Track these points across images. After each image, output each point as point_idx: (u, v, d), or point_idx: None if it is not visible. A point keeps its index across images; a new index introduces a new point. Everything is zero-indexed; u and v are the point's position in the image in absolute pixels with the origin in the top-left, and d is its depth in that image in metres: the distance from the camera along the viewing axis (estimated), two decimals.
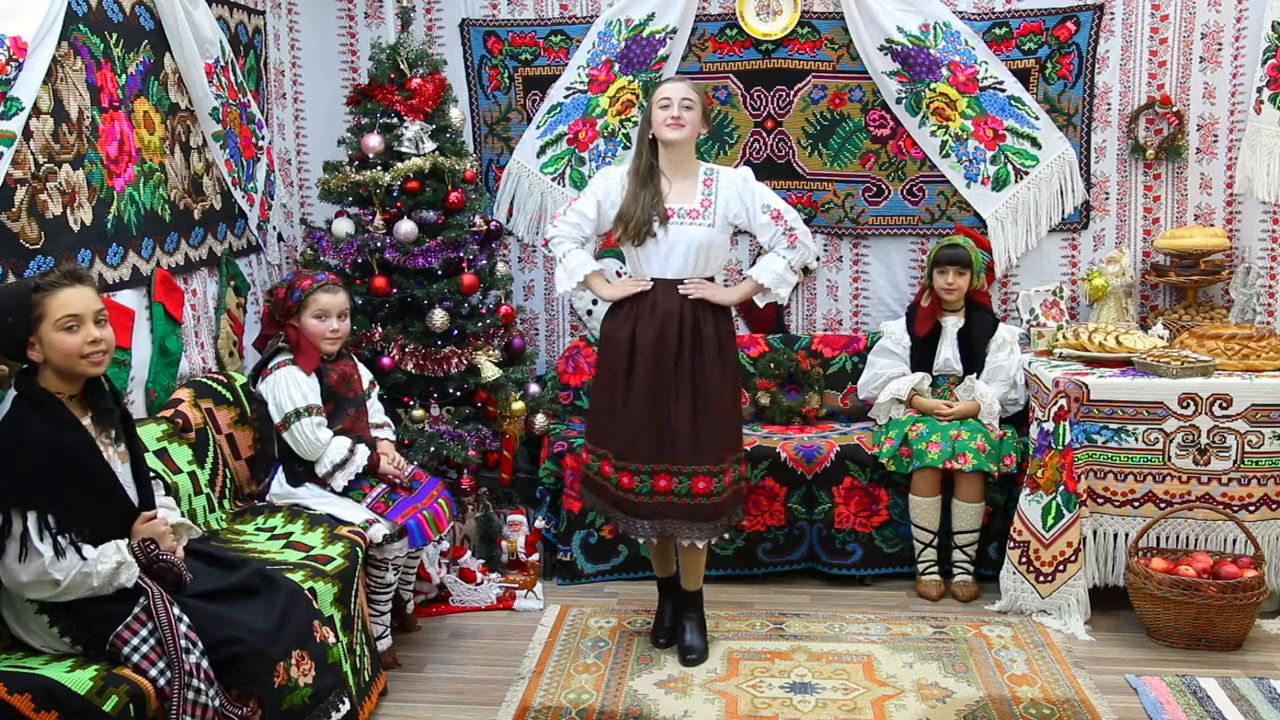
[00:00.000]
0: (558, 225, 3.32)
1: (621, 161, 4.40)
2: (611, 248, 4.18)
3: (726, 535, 3.43)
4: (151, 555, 2.37)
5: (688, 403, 3.19)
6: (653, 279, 3.24)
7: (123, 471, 2.46)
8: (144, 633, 2.27)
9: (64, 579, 2.23)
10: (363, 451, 3.29)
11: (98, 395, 2.43)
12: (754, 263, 4.31)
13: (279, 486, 3.27)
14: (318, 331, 3.31)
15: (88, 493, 2.32)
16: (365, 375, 3.53)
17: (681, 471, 3.20)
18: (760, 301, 3.39)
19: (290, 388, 3.23)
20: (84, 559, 2.26)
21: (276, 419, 3.24)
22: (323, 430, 3.25)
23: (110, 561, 2.29)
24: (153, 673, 2.24)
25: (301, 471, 3.27)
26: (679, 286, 3.23)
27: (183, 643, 2.26)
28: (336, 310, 3.34)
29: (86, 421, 2.40)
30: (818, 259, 4.51)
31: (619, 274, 4.32)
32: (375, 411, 3.53)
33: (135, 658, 2.25)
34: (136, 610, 2.29)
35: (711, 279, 3.31)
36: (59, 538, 2.23)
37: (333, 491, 3.25)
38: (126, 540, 2.37)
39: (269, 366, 3.30)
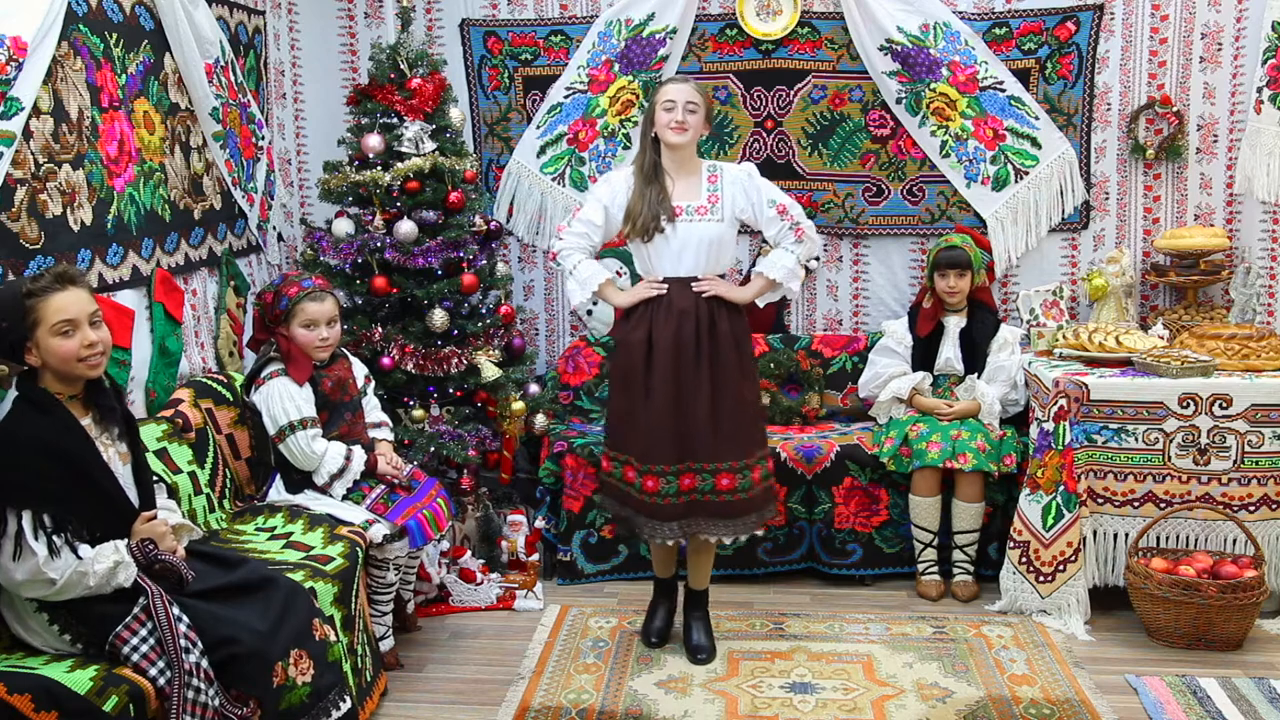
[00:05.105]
0: (564, 238, 3.29)
1: (621, 162, 4.42)
2: (612, 248, 4.17)
3: (759, 532, 3.38)
4: (150, 555, 2.37)
5: (707, 400, 3.19)
6: (665, 279, 3.23)
7: (123, 472, 2.46)
8: (143, 632, 2.28)
9: (59, 578, 2.23)
10: (359, 456, 3.29)
11: (100, 395, 2.43)
12: (754, 262, 4.33)
13: (276, 494, 3.27)
14: (307, 341, 3.27)
15: (85, 493, 2.32)
16: (359, 373, 3.50)
17: (705, 469, 3.20)
18: (771, 298, 3.40)
19: (284, 400, 3.21)
20: (79, 558, 2.25)
21: (271, 431, 3.23)
22: (318, 442, 3.24)
23: (107, 561, 2.29)
24: (152, 672, 2.24)
25: (299, 479, 3.27)
26: (693, 285, 3.22)
27: (182, 642, 2.26)
28: (325, 318, 3.28)
29: (87, 421, 2.40)
30: (818, 259, 4.51)
31: (619, 273, 4.32)
32: (372, 410, 3.51)
33: (135, 657, 2.26)
34: (136, 610, 2.29)
35: (723, 276, 3.31)
36: (54, 537, 2.22)
37: (332, 498, 3.25)
38: (125, 541, 2.37)
39: (261, 376, 3.27)
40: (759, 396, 3.42)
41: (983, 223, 4.39)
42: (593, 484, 3.93)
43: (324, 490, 3.25)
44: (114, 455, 2.44)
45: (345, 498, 3.25)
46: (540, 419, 4.09)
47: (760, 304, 3.40)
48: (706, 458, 3.19)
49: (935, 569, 3.86)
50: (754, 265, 4.09)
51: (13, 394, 2.33)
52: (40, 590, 2.25)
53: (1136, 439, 3.51)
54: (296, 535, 3.05)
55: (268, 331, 3.35)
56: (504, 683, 3.21)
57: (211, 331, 3.67)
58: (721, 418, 3.20)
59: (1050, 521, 3.54)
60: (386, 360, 3.76)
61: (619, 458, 3.30)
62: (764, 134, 4.45)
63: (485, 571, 3.85)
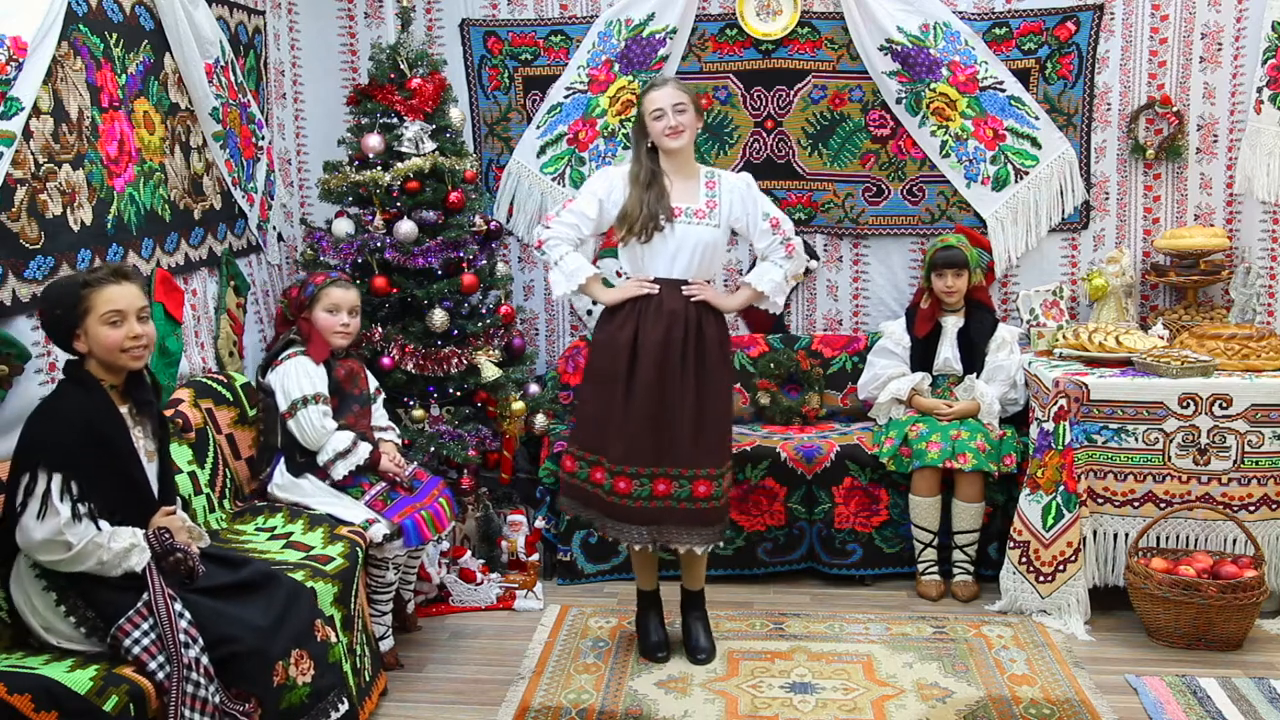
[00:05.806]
0: (552, 227, 3.26)
1: (621, 161, 4.41)
2: (611, 248, 4.17)
3: (721, 544, 3.37)
4: (166, 544, 2.42)
5: (692, 404, 3.17)
6: (656, 279, 3.22)
7: (149, 468, 2.53)
8: (145, 626, 2.31)
9: (76, 543, 2.28)
10: (364, 446, 3.30)
11: (139, 388, 2.54)
12: (752, 265, 4.33)
13: (280, 476, 3.29)
14: (328, 325, 3.36)
15: (113, 475, 2.41)
16: (373, 381, 3.57)
17: (683, 475, 3.18)
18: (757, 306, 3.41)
19: (299, 375, 3.28)
20: (99, 530, 2.32)
21: (283, 406, 3.27)
22: (328, 419, 3.27)
23: (124, 541, 2.35)
24: (152, 666, 2.27)
25: (303, 462, 3.29)
26: (682, 288, 3.21)
27: (182, 638, 2.28)
28: (348, 306, 3.40)
29: (124, 410, 2.50)
30: (817, 260, 4.51)
31: (619, 274, 4.32)
32: (380, 415, 3.54)
33: (136, 650, 2.28)
34: (139, 605, 2.32)
35: (709, 282, 3.30)
36: (79, 504, 2.30)
37: (332, 483, 3.26)
38: (144, 530, 2.43)
39: (279, 358, 3.34)
40: (733, 406, 3.41)
41: (983, 223, 4.39)
42: None
43: (325, 472, 3.26)
44: (143, 449, 2.52)
45: (344, 490, 3.25)
46: (540, 419, 4.09)
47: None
48: (686, 463, 3.17)
49: (935, 569, 3.86)
50: (753, 267, 4.10)
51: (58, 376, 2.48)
52: (55, 553, 2.29)
53: (1136, 439, 3.51)
54: (296, 535, 3.06)
55: (288, 325, 3.45)
56: (504, 683, 3.21)
57: (211, 331, 3.67)
58: (706, 424, 3.19)
59: (1050, 521, 3.54)
60: (386, 360, 3.76)
61: (587, 458, 3.26)
62: (764, 134, 4.45)
63: (485, 571, 3.85)
